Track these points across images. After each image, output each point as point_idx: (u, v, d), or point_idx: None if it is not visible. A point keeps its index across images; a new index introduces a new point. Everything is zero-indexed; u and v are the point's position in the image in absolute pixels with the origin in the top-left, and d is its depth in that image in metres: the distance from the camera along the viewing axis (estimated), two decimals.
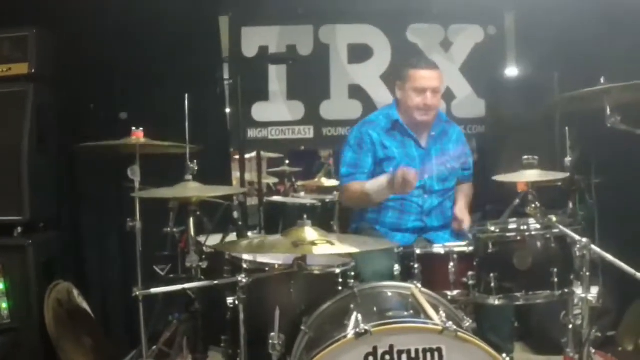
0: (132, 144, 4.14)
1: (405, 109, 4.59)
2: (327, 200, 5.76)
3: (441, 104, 4.99)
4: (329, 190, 6.98)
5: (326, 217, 5.50)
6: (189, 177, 3.79)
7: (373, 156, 4.55)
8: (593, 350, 3.63)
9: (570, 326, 3.77)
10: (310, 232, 3.32)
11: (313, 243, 3.22)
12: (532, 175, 3.83)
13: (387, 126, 4.62)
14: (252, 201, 5.99)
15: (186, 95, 3.99)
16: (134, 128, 4.16)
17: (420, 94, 4.49)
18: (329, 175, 8.12)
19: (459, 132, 4.87)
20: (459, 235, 4.38)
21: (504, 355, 2.96)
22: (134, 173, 4.01)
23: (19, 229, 4.75)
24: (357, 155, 4.58)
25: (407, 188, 4.11)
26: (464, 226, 4.40)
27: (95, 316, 5.22)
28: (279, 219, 5.23)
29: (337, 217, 5.61)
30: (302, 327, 3.35)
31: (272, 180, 8.01)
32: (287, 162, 8.00)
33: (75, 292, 5.05)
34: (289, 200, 6.11)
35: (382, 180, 4.28)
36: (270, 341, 3.19)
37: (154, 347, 4.26)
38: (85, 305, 5.13)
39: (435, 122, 4.66)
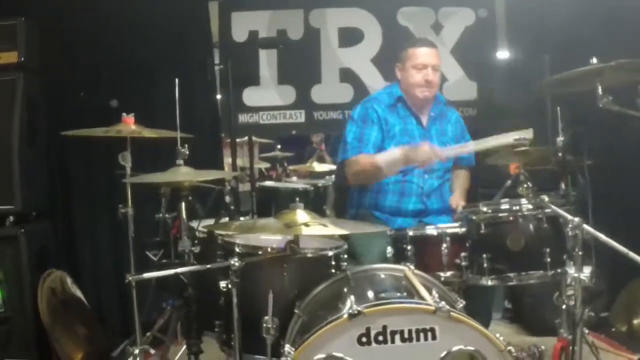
0: (122, 130, 4.11)
1: (406, 87, 4.61)
2: (319, 185, 5.76)
3: None
4: (320, 175, 6.99)
5: (318, 202, 5.50)
6: (180, 161, 3.79)
7: (379, 129, 4.54)
8: (586, 331, 3.64)
9: (564, 307, 3.78)
10: (302, 215, 3.33)
11: (305, 224, 3.23)
12: (523, 152, 3.83)
13: (390, 102, 4.64)
14: (244, 187, 5.98)
15: (176, 80, 3.98)
16: (124, 114, 4.14)
17: (420, 70, 4.52)
18: (320, 160, 8.14)
19: (457, 115, 4.89)
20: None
21: (497, 335, 2.95)
22: (125, 159, 3.98)
23: (11, 219, 4.74)
24: (361, 130, 4.56)
25: (431, 159, 4.15)
26: (458, 209, 4.40)
27: (89, 304, 5.22)
28: (272, 204, 5.23)
29: (332, 202, 5.61)
30: (296, 311, 3.36)
31: (264, 166, 7.99)
32: (279, 147, 7.99)
33: (69, 280, 5.05)
34: (281, 185, 6.10)
35: (396, 152, 4.30)
36: (264, 325, 3.19)
37: (148, 334, 4.26)
38: (79, 293, 5.13)
39: (435, 103, 4.70)
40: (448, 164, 4.66)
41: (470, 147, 4.51)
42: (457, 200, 4.56)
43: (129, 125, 4.11)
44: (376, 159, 4.37)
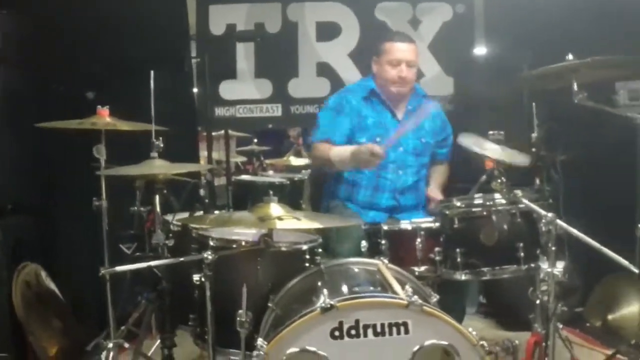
0: (97, 122, 4.09)
1: (381, 82, 4.61)
2: (296, 179, 5.78)
3: None
4: (297, 169, 7.02)
5: (295, 196, 5.51)
6: (155, 154, 3.78)
7: (351, 121, 4.55)
8: (560, 326, 3.66)
9: (538, 302, 3.79)
10: (276, 208, 3.33)
11: (279, 218, 3.24)
12: (495, 150, 3.84)
13: (364, 95, 4.63)
14: (221, 181, 5.97)
15: (151, 72, 3.97)
16: (99, 106, 4.12)
17: (395, 66, 4.52)
18: (297, 154, 8.15)
19: (440, 111, 4.88)
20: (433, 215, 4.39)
21: (470, 329, 2.96)
22: (99, 152, 3.98)
23: None
24: (333, 118, 4.58)
25: (370, 164, 4.14)
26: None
27: (65, 298, 5.18)
28: (248, 198, 5.23)
29: (308, 195, 5.62)
30: (270, 304, 3.37)
31: (240, 159, 8.00)
32: (256, 140, 7.99)
33: (43, 273, 5.01)
34: (257, 178, 6.11)
35: (347, 151, 4.30)
36: (238, 319, 3.19)
37: (123, 328, 4.24)
38: (53, 286, 5.09)
39: (412, 96, 4.69)
40: (424, 159, 4.67)
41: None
42: (432, 190, 4.61)
43: (103, 117, 4.10)
44: (331, 152, 4.40)
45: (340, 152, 4.36)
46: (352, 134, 4.52)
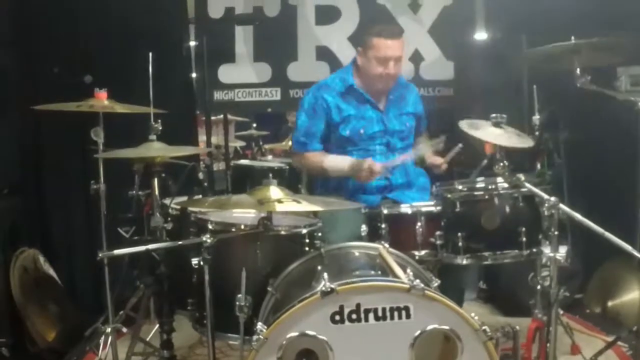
0: (95, 105, 4.06)
1: (365, 75, 4.51)
2: None
3: (409, 67, 4.92)
4: None
5: (293, 181, 5.48)
6: (153, 137, 3.74)
7: (326, 121, 4.48)
8: (561, 312, 3.64)
9: (539, 287, 3.78)
10: (275, 191, 3.30)
11: (279, 201, 3.20)
12: (497, 132, 3.80)
13: (342, 90, 4.54)
14: (219, 166, 5.95)
15: (150, 54, 3.93)
16: (97, 89, 4.09)
17: (382, 63, 4.40)
18: None
19: (416, 93, 4.82)
20: (423, 193, 4.39)
21: (472, 314, 2.93)
22: (97, 134, 3.94)
23: None
24: (310, 121, 4.50)
25: (367, 179, 4.15)
26: (442, 166, 4.42)
27: (62, 283, 5.17)
28: (246, 183, 5.20)
29: (306, 181, 5.60)
30: (269, 289, 3.35)
31: (239, 144, 7.98)
32: (255, 125, 7.98)
33: (41, 259, 5.00)
34: (256, 163, 6.09)
35: (344, 163, 4.30)
36: (237, 303, 3.17)
37: (121, 312, 4.22)
38: (51, 272, 5.08)
39: (394, 86, 4.60)
40: (409, 141, 4.63)
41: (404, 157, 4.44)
42: (433, 159, 4.53)
43: (101, 100, 4.06)
44: (325, 162, 4.37)
45: (337, 162, 4.35)
46: (331, 131, 4.47)
